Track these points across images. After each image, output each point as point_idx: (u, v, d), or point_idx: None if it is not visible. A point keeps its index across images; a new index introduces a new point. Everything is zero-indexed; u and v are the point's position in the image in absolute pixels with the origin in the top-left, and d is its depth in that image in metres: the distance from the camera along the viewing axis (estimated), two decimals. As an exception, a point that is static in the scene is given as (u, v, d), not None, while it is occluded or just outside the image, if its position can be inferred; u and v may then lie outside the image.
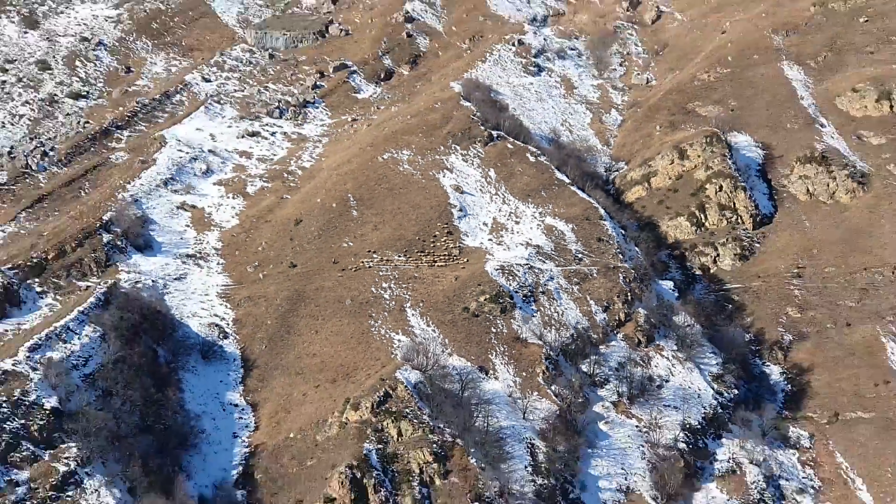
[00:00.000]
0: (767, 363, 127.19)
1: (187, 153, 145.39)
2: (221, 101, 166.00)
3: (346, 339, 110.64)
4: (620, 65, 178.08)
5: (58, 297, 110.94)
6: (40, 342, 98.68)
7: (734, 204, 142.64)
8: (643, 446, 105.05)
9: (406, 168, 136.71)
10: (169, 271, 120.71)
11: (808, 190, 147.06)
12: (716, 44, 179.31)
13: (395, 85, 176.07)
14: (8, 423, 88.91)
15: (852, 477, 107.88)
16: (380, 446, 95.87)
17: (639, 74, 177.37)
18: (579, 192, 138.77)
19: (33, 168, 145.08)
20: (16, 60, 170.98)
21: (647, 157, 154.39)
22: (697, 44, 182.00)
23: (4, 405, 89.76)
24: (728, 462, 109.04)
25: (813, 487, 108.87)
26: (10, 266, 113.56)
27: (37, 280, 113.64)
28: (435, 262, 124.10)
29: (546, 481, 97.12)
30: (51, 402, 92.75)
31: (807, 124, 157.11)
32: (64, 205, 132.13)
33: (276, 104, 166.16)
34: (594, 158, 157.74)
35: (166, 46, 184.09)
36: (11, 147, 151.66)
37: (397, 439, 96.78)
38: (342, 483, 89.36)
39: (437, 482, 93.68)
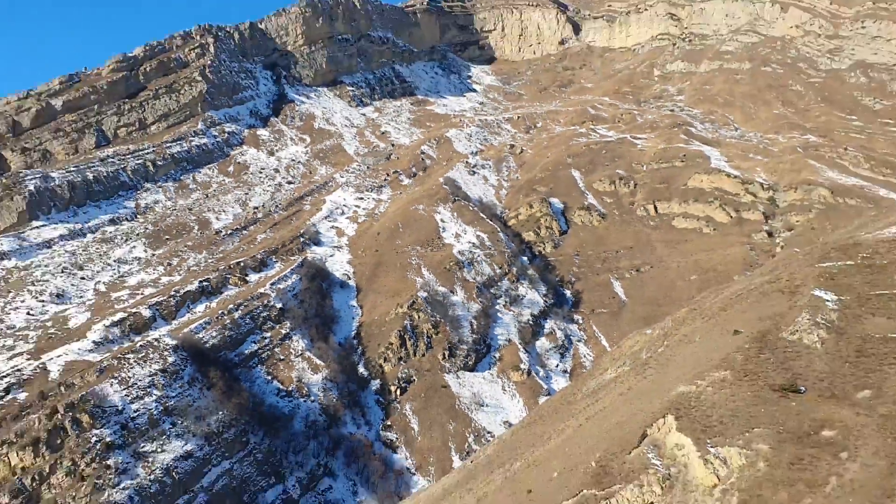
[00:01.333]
0: (565, 290, 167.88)
1: (334, 205, 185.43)
2: (348, 184, 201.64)
3: (397, 280, 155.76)
4: (506, 170, 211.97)
5: (282, 263, 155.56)
6: (274, 280, 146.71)
7: (552, 226, 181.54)
8: (517, 323, 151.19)
9: (421, 212, 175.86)
10: (327, 253, 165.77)
11: (581, 220, 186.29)
12: (542, 163, 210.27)
13: (418, 179, 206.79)
14: (262, 314, 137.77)
15: (599, 335, 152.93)
16: (410, 322, 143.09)
17: (513, 172, 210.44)
18: (489, 221, 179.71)
19: (271, 212, 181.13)
20: (265, 168, 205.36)
21: (517, 207, 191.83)
22: (536, 162, 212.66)
23: (262, 307, 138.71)
24: (549, 329, 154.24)
25: (582, 340, 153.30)
26: (265, 249, 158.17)
27: (273, 256, 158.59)
28: (432, 249, 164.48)
29: (476, 336, 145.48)
30: (278, 305, 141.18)
31: (580, 193, 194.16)
32: (285, 226, 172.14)
33: (370, 186, 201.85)
34: (495, 208, 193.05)
35: (324, 163, 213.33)
36: (263, 203, 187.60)
37: (418, 318, 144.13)
38: (396, 337, 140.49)
39: (434, 337, 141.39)
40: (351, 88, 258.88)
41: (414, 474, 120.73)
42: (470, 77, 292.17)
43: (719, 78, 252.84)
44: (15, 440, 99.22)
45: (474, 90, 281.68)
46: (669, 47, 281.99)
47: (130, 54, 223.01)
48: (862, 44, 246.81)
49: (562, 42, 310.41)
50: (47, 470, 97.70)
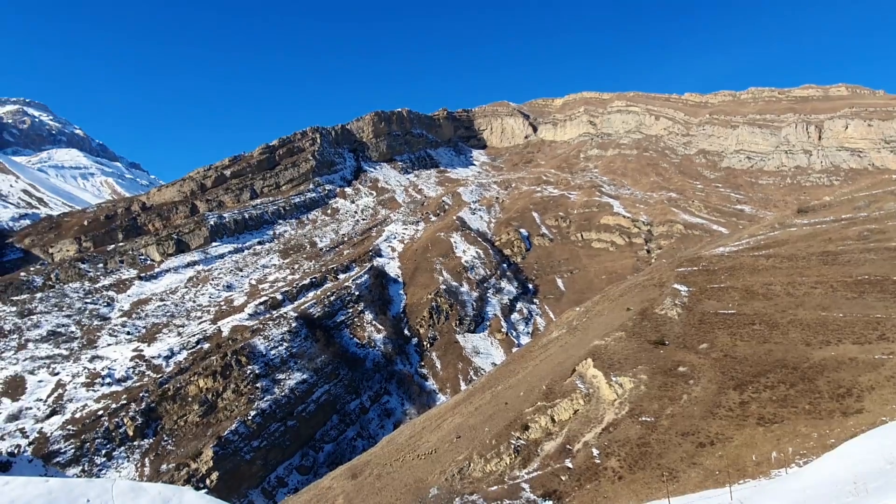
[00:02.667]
0: (529, 284, 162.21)
1: (390, 233, 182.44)
2: (398, 221, 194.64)
3: (427, 278, 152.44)
4: (494, 212, 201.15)
5: (359, 267, 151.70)
6: (354, 278, 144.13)
7: (521, 245, 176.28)
8: (500, 305, 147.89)
9: (442, 237, 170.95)
10: (385, 261, 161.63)
11: (538, 242, 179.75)
12: (515, 208, 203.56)
13: (440, 217, 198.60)
14: (347, 298, 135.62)
15: (549, 311, 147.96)
16: (435, 304, 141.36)
17: (497, 213, 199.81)
18: (483, 242, 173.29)
19: (352, 237, 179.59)
20: (349, 211, 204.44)
21: (500, 234, 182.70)
22: (511, 207, 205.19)
23: (346, 294, 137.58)
24: (519, 308, 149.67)
25: (539, 314, 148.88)
26: (349, 259, 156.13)
27: (353, 263, 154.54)
28: (449, 259, 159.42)
29: (475, 312, 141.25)
30: (356, 293, 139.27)
31: (538, 226, 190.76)
32: (360, 245, 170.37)
33: (411, 221, 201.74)
34: (487, 234, 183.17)
35: (384, 207, 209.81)
36: (347, 232, 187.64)
37: (440, 301, 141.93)
38: (427, 312, 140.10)
39: (450, 312, 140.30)
40: (400, 163, 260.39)
41: (438, 393, 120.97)
42: (472, 157, 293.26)
43: (619, 159, 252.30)
44: (202, 371, 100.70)
45: (474, 164, 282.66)
46: (589, 140, 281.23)
47: (270, 144, 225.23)
48: (703, 139, 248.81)
49: (526, 137, 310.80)
50: (221, 389, 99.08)
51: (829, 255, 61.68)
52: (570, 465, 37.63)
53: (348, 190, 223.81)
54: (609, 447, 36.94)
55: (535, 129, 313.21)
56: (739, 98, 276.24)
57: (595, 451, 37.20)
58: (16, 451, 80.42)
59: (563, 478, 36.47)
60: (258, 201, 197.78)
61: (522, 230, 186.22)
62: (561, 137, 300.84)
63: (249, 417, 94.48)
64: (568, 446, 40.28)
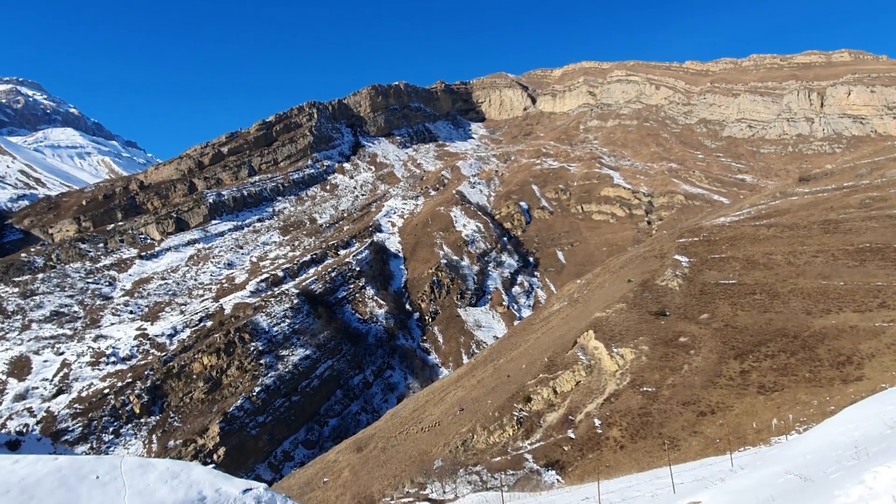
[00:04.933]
0: (530, 257, 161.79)
1: (389, 208, 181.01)
2: (398, 196, 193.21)
3: (428, 253, 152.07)
4: (493, 186, 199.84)
5: (359, 243, 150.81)
6: (354, 253, 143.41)
7: (521, 219, 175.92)
8: (501, 278, 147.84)
9: (442, 212, 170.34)
10: (386, 237, 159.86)
11: (538, 215, 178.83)
12: (515, 181, 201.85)
13: (439, 191, 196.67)
14: (348, 273, 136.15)
15: (549, 284, 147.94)
16: (436, 278, 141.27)
17: (497, 187, 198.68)
18: (483, 216, 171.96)
19: (352, 212, 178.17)
20: (347, 187, 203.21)
21: (500, 208, 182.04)
22: (511, 180, 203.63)
23: (348, 270, 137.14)
24: (520, 281, 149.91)
25: (540, 287, 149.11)
26: (349, 235, 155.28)
27: (354, 238, 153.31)
28: (449, 234, 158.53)
29: (476, 286, 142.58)
30: (357, 269, 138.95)
31: (538, 199, 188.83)
32: (360, 221, 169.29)
33: (411, 196, 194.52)
34: (487, 208, 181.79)
35: (383, 183, 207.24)
36: (347, 208, 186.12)
37: (441, 275, 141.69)
38: (428, 287, 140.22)
39: (451, 287, 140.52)
40: (399, 138, 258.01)
41: (440, 367, 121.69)
42: (470, 130, 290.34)
43: (619, 130, 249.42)
44: (206, 349, 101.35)
45: (473, 138, 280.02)
46: (589, 111, 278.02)
47: (267, 120, 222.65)
48: (703, 108, 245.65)
49: (525, 108, 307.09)
50: (225, 366, 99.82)
51: (830, 224, 61.54)
52: (572, 436, 38.15)
53: (347, 165, 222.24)
54: (611, 417, 37.38)
55: (533, 101, 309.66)
56: (741, 66, 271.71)
57: (597, 422, 37.66)
58: (24, 430, 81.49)
59: (566, 448, 37.00)
60: (256, 178, 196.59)
61: (522, 203, 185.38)
62: (560, 109, 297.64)
63: (254, 393, 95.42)
64: (570, 417, 40.76)
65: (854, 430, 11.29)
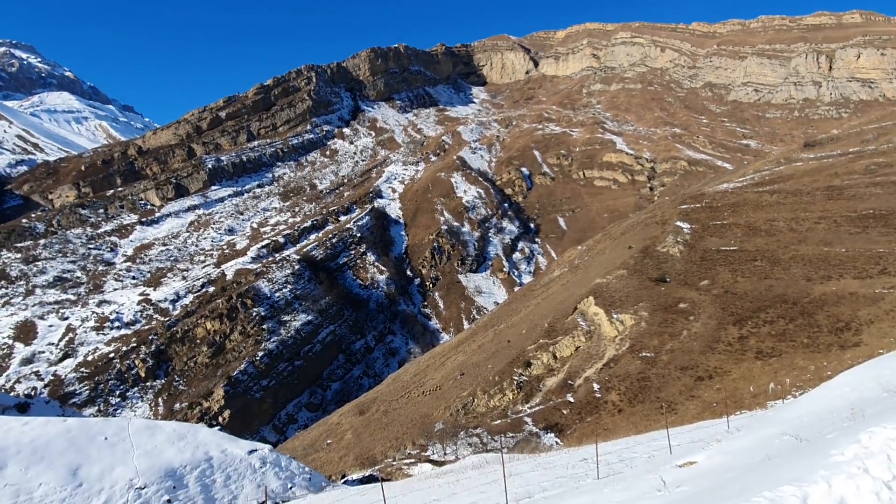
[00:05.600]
0: (530, 223, 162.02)
1: (390, 174, 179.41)
2: (398, 161, 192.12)
3: (429, 219, 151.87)
4: (495, 151, 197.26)
5: (360, 209, 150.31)
6: (355, 219, 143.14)
7: (522, 185, 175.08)
8: (501, 244, 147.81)
9: (443, 177, 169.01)
10: (386, 203, 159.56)
11: (539, 181, 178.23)
12: (516, 146, 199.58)
13: (440, 157, 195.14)
14: (349, 240, 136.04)
15: (550, 250, 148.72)
16: (437, 244, 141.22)
17: (498, 152, 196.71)
18: (484, 182, 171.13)
19: (352, 178, 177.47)
20: (347, 152, 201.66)
21: (501, 173, 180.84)
22: (512, 145, 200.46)
23: (348, 236, 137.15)
24: (521, 247, 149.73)
25: (540, 253, 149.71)
26: (349, 201, 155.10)
27: (354, 204, 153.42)
28: (450, 200, 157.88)
29: (477, 252, 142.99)
30: (358, 235, 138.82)
31: (539, 165, 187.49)
32: (360, 187, 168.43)
33: (411, 162, 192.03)
34: (488, 174, 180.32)
35: (383, 148, 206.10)
36: (347, 173, 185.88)
37: (442, 242, 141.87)
38: (429, 253, 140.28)
39: (451, 253, 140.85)
40: (399, 102, 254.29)
41: (441, 332, 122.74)
42: (471, 94, 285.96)
43: (622, 94, 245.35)
44: (209, 314, 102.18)
45: (474, 102, 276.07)
46: (592, 75, 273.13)
47: (265, 83, 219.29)
48: (709, 71, 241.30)
49: (527, 72, 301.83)
50: (228, 331, 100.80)
51: (834, 190, 61.18)
52: (571, 400, 38.79)
53: (346, 130, 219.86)
54: (609, 382, 37.92)
55: (536, 64, 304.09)
56: (749, 27, 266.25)
57: (596, 386, 38.23)
58: (32, 394, 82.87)
59: (565, 411, 37.66)
60: (255, 143, 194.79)
61: (523, 169, 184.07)
62: (563, 72, 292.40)
63: (257, 358, 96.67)
64: (569, 382, 41.35)
65: (850, 393, 11.47)
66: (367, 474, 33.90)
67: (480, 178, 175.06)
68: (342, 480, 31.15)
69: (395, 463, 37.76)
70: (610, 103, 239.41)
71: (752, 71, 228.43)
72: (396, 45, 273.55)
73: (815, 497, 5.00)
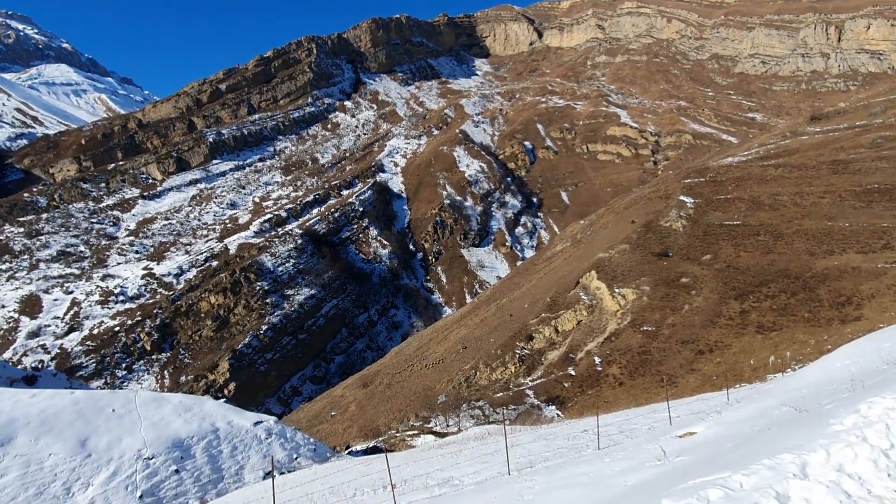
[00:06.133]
0: (533, 198, 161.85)
1: (392, 148, 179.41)
2: (400, 135, 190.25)
3: (431, 193, 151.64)
4: (498, 124, 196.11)
5: (362, 183, 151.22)
6: (357, 194, 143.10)
7: (525, 159, 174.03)
8: (504, 219, 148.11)
9: (445, 151, 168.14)
10: (389, 177, 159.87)
11: (543, 155, 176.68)
12: (519, 119, 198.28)
13: (443, 131, 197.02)
14: (351, 214, 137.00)
15: (553, 225, 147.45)
16: (440, 218, 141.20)
17: (501, 126, 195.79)
18: (487, 156, 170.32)
19: (354, 152, 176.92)
20: (349, 125, 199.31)
21: (504, 147, 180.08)
22: (515, 119, 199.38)
23: (351, 210, 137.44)
24: (523, 221, 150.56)
25: (543, 228, 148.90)
26: (351, 175, 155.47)
27: (356, 179, 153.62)
28: (452, 174, 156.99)
29: (479, 226, 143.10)
30: (360, 209, 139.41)
31: (542, 138, 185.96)
32: (362, 161, 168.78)
33: (413, 135, 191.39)
34: (491, 148, 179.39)
35: (385, 121, 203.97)
36: (349, 147, 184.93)
37: (444, 216, 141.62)
38: (431, 227, 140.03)
39: (454, 227, 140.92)
40: (401, 74, 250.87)
41: (443, 307, 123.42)
42: (474, 66, 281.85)
43: (627, 66, 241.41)
44: (212, 288, 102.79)
45: (477, 74, 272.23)
46: (597, 46, 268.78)
47: (265, 55, 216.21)
48: (716, 43, 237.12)
49: (530, 43, 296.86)
50: (232, 305, 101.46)
51: (839, 164, 60.68)
52: (572, 373, 39.16)
53: (348, 103, 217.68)
54: (611, 355, 38.24)
55: (540, 35, 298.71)
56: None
57: (597, 360, 38.56)
58: (40, 366, 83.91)
59: (566, 384, 38.05)
60: (256, 117, 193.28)
61: (527, 143, 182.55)
62: (567, 44, 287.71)
63: (261, 331, 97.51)
64: (571, 355, 41.70)
65: (850, 365, 11.56)
66: (370, 445, 34.48)
67: (483, 152, 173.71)
68: (346, 451, 31.71)
69: (398, 434, 38.35)
70: (615, 75, 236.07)
71: (759, 42, 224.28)
72: (398, 16, 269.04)
73: (813, 464, 5.09)
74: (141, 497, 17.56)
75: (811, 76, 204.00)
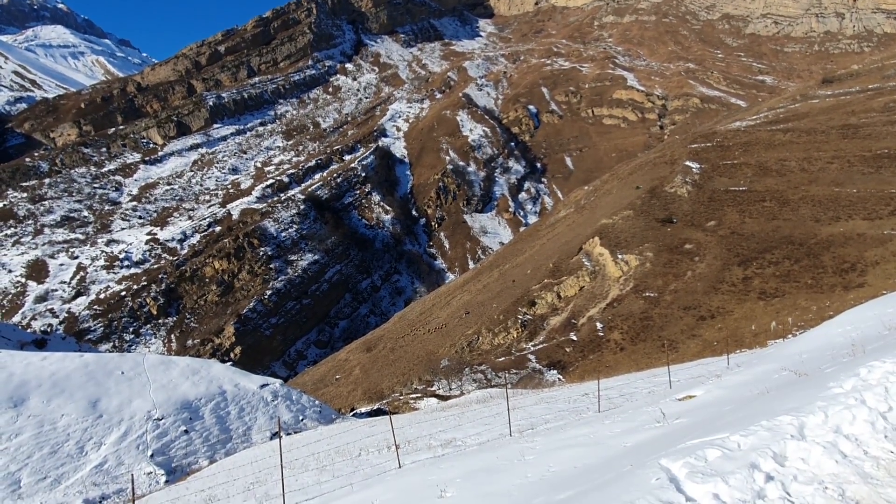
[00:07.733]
0: (537, 163, 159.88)
1: (394, 112, 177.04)
2: (402, 98, 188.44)
3: (434, 159, 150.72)
4: (501, 88, 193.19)
5: (364, 148, 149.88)
6: (360, 159, 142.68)
7: (529, 123, 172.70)
8: (507, 184, 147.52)
9: (448, 115, 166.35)
10: (391, 142, 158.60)
11: (547, 119, 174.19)
12: (524, 83, 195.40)
13: (445, 94, 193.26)
14: (353, 179, 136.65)
15: (557, 191, 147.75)
16: (442, 184, 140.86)
17: (505, 89, 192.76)
18: (491, 120, 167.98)
19: (356, 116, 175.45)
20: (351, 88, 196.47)
21: (508, 111, 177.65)
22: (520, 82, 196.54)
23: (353, 175, 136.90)
24: (527, 187, 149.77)
25: (547, 193, 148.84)
26: (353, 140, 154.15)
27: (359, 143, 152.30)
28: (455, 139, 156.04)
29: (482, 192, 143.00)
30: (363, 174, 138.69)
31: (547, 102, 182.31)
32: (364, 125, 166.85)
33: (416, 99, 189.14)
34: (494, 112, 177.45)
35: (387, 84, 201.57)
36: (351, 111, 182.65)
37: (447, 181, 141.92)
38: (434, 193, 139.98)
39: (457, 192, 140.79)
40: (403, 36, 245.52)
41: (446, 272, 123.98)
42: (478, 27, 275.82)
43: (635, 26, 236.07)
44: (216, 253, 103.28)
45: (481, 35, 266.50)
46: (605, 6, 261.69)
47: (264, 16, 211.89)
48: (727, 2, 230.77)
49: (536, 3, 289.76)
50: (236, 270, 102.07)
51: (849, 129, 59.81)
52: (574, 338, 39.56)
53: (349, 66, 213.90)
54: (612, 321, 38.54)
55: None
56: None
57: (599, 325, 38.88)
58: (49, 330, 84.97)
59: (568, 349, 38.49)
60: (256, 80, 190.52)
61: (531, 107, 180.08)
62: (574, 3, 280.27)
63: (266, 296, 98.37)
64: (573, 321, 42.04)
65: (852, 331, 11.66)
66: (375, 407, 35.17)
67: (487, 117, 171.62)
68: (351, 413, 32.38)
69: (402, 397, 39.05)
70: (622, 36, 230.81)
71: (772, 1, 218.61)
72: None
73: (811, 426, 5.21)
74: (152, 456, 18.05)
75: (824, 37, 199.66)
